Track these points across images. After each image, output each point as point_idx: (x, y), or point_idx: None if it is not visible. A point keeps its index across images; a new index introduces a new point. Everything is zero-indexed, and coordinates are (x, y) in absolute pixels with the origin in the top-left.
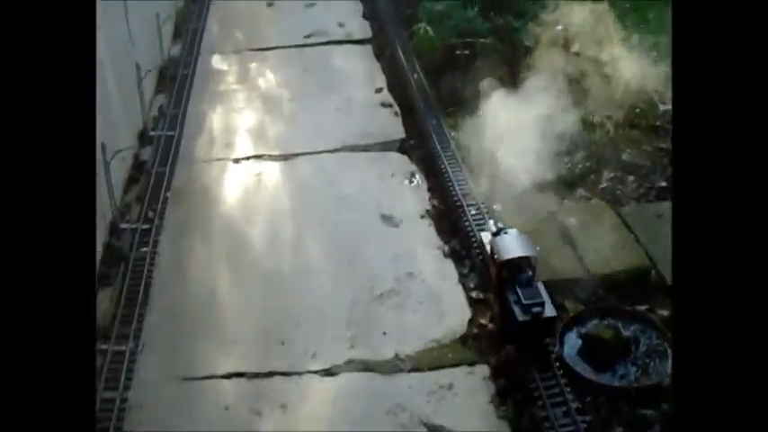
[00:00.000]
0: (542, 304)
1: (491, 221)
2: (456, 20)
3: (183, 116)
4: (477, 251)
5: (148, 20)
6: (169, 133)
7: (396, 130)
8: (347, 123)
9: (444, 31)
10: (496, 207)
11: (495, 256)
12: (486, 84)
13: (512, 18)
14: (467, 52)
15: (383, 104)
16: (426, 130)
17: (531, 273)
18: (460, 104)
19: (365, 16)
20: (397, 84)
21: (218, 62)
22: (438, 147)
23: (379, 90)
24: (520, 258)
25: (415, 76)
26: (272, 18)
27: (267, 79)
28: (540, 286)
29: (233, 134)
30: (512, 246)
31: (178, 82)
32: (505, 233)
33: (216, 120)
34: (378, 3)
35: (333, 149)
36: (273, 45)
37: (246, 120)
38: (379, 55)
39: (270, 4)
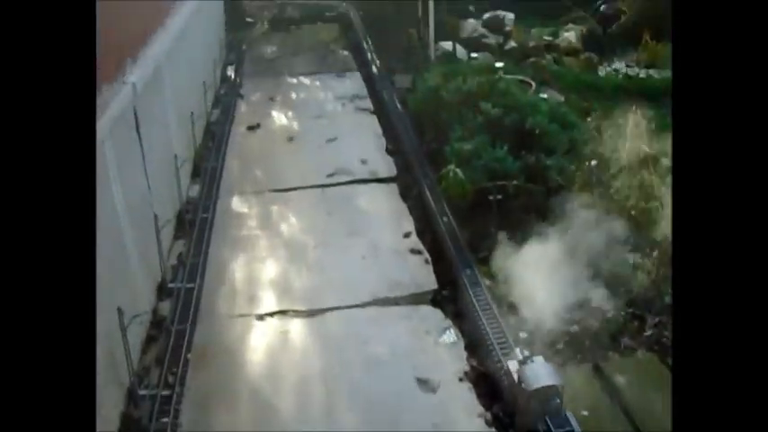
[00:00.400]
0: None
1: (517, 349)
2: (485, 159)
3: (204, 265)
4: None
5: (166, 161)
6: (189, 285)
7: (427, 280)
8: (376, 273)
9: (474, 172)
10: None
11: (523, 385)
12: (519, 228)
13: (543, 155)
14: (499, 196)
15: (412, 251)
16: (460, 281)
17: (559, 401)
18: (494, 250)
19: (389, 151)
20: (425, 228)
21: (238, 204)
22: (473, 299)
23: (407, 235)
24: (548, 387)
25: (445, 219)
26: (292, 154)
27: (290, 223)
28: (570, 416)
29: (256, 286)
30: (540, 374)
31: (197, 227)
32: (532, 361)
33: (238, 270)
34: (402, 137)
35: (362, 304)
36: (295, 185)
37: (270, 270)
38: (405, 195)
39: (290, 139)
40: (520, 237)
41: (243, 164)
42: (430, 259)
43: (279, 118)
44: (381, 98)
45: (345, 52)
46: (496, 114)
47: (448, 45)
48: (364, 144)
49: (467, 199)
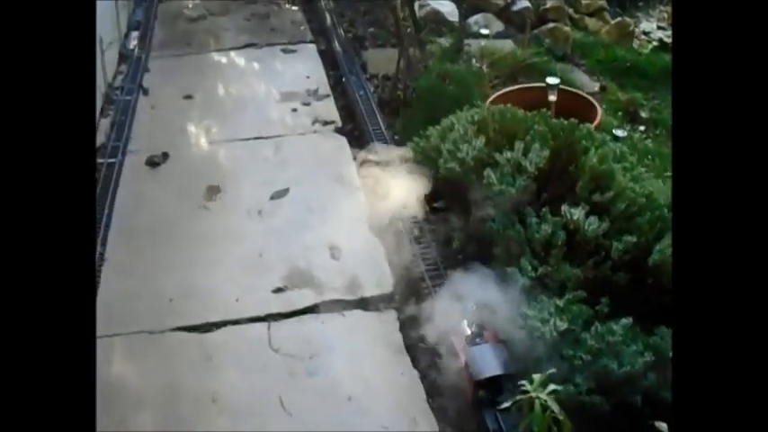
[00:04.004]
0: None
1: (464, 322)
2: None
3: None
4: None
5: None
6: None
7: None
8: None
9: None
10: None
11: (471, 373)
12: None
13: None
14: None
15: None
16: None
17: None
18: None
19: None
20: None
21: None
22: None
23: None
24: (500, 377)
25: None
26: (211, 227)
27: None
28: None
29: None
30: (490, 360)
31: None
32: (482, 342)
33: None
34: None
35: None
36: (210, 319)
37: None
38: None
39: (209, 193)
40: None
41: (129, 250)
42: None
43: (196, 140)
44: (350, 97)
45: (295, 8)
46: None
47: (436, 3)
48: (333, 205)
49: None
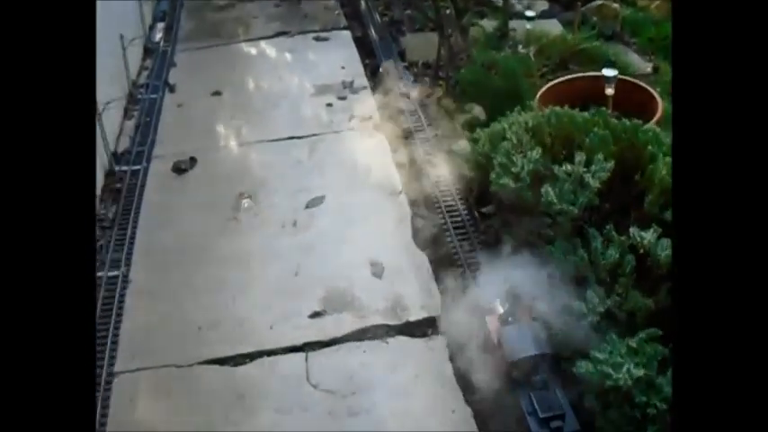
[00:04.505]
0: (562, 416)
1: (497, 301)
2: None
3: None
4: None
5: None
6: None
7: None
8: None
9: None
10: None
11: (504, 353)
12: None
13: None
14: None
15: None
16: None
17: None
18: None
19: (420, 238)
20: None
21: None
22: None
23: None
24: (535, 357)
25: None
26: (242, 242)
27: None
28: (560, 394)
29: None
30: (524, 340)
31: None
32: (515, 321)
33: None
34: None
35: None
36: (239, 350)
37: None
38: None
39: (240, 199)
40: None
41: (154, 272)
42: None
43: (225, 142)
44: (389, 89)
45: None
46: None
47: None
48: (373, 214)
49: None
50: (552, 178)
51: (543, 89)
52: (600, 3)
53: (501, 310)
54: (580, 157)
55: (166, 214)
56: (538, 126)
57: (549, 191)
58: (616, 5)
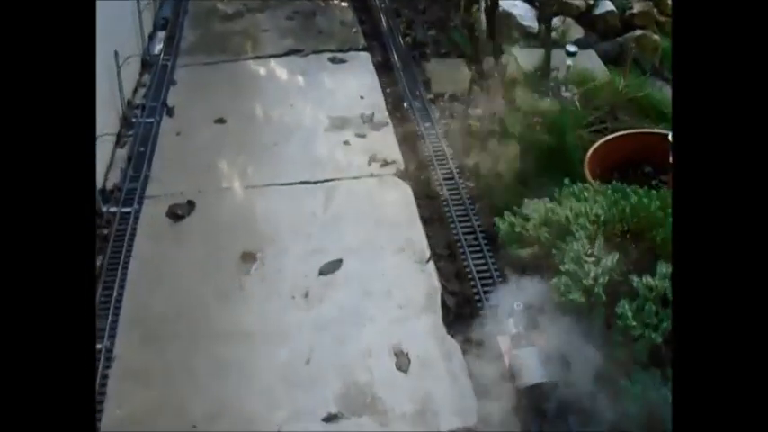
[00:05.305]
0: None
1: (510, 321)
2: None
3: None
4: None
5: None
6: None
7: None
8: None
9: None
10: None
11: (516, 378)
12: None
13: None
14: None
15: None
16: None
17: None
18: None
19: (452, 314)
20: None
21: None
22: None
23: None
24: (546, 384)
25: None
26: (241, 316)
27: None
28: (573, 422)
29: None
30: (536, 365)
31: None
32: (527, 345)
33: None
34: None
35: None
36: None
37: None
38: None
39: (243, 261)
40: None
41: (142, 349)
42: None
43: (229, 182)
44: (414, 128)
45: (344, 4)
46: None
47: (507, 2)
48: (397, 286)
49: None
50: (630, 293)
51: (593, 148)
52: (639, 33)
53: (513, 331)
54: (665, 268)
55: (159, 272)
56: (609, 218)
57: (626, 309)
58: (657, 37)
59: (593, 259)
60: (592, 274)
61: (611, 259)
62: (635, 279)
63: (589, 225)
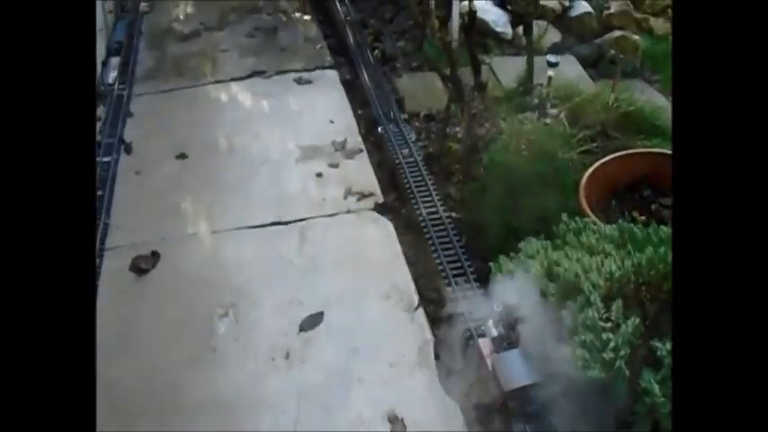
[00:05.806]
0: None
1: (490, 322)
2: None
3: None
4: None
5: None
6: None
7: None
8: None
9: None
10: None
11: (500, 381)
12: None
13: None
14: None
15: None
16: None
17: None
18: None
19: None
20: None
21: None
22: None
23: None
24: (529, 386)
25: None
26: (213, 382)
27: None
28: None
29: None
30: (519, 367)
31: None
32: (510, 347)
33: None
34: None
35: None
36: None
37: None
38: None
39: (218, 320)
40: None
41: (109, 419)
42: None
43: (195, 227)
44: (389, 156)
45: (306, 17)
46: None
47: (480, 2)
48: (386, 340)
49: None
50: (652, 360)
51: (587, 174)
52: (619, 34)
53: (494, 334)
54: None
55: (124, 337)
56: (624, 274)
57: (652, 385)
58: (636, 37)
59: (610, 325)
60: (611, 345)
61: (630, 324)
62: (658, 345)
63: (602, 283)
